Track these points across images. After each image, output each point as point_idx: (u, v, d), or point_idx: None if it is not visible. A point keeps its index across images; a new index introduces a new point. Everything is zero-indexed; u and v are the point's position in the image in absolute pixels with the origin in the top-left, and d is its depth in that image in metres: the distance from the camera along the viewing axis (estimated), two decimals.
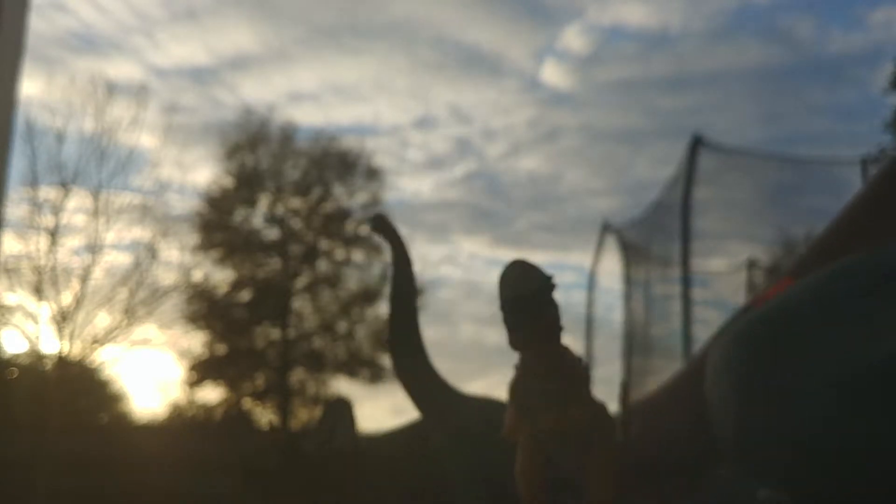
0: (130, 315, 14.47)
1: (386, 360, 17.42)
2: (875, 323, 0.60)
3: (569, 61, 23.20)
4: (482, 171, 23.35)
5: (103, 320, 14.29)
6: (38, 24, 16.40)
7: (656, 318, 10.28)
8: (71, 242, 14.50)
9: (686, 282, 8.14)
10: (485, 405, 1.64)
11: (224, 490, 14.30)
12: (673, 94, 23.15)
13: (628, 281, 11.38)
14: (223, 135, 17.87)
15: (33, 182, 14.10)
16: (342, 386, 17.50)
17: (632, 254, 11.34)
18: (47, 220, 14.06)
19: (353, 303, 17.86)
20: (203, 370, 16.93)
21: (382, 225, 1.67)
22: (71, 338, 13.86)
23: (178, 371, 17.20)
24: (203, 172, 23.27)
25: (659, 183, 9.93)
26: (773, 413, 0.64)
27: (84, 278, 14.17)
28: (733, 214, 9.38)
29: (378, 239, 1.74)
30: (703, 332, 7.94)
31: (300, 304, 17.76)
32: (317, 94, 24.44)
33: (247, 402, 17.47)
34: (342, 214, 18.24)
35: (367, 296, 17.76)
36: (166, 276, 15.20)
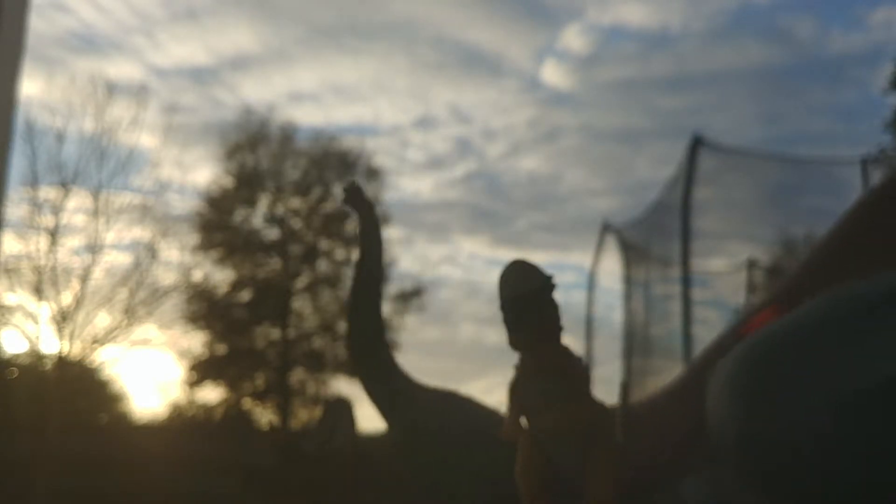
0: (130, 315, 14.48)
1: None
2: (876, 345, 0.60)
3: (569, 61, 23.20)
4: (482, 171, 23.35)
5: (103, 320, 14.30)
6: (38, 24, 16.39)
7: (656, 318, 10.29)
8: (71, 242, 14.51)
9: (686, 282, 8.15)
10: (445, 399, 1.49)
11: (224, 490, 14.31)
12: (673, 94, 23.15)
13: (628, 281, 11.38)
14: (223, 135, 17.89)
15: (33, 182, 14.12)
16: (342, 386, 17.52)
17: (632, 254, 11.34)
18: (47, 220, 14.08)
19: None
20: (203, 370, 16.93)
21: (355, 196, 1.51)
22: (71, 338, 13.87)
23: (178, 371, 17.22)
24: (203, 172, 23.27)
25: (659, 183, 9.94)
26: (775, 428, 0.65)
27: (84, 278, 14.19)
28: (733, 214, 9.39)
29: (350, 212, 1.55)
30: (703, 332, 7.94)
31: (300, 304, 17.77)
32: (317, 94, 24.43)
33: (247, 402, 17.47)
34: (342, 214, 18.24)
35: None
36: (166, 276, 15.22)
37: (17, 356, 15.00)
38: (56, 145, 14.36)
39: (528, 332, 0.77)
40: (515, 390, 0.79)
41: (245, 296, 17.82)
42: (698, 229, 8.31)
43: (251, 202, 18.05)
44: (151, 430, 16.91)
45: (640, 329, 10.80)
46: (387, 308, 18.23)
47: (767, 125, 21.91)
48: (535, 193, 23.48)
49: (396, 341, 17.91)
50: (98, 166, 14.63)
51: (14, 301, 14.10)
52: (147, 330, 15.01)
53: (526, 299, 0.77)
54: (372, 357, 1.47)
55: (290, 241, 18.08)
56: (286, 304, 17.60)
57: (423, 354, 23.39)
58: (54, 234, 14.06)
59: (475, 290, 21.99)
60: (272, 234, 18.18)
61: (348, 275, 18.36)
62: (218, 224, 17.69)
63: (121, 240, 14.89)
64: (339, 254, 18.20)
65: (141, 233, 14.95)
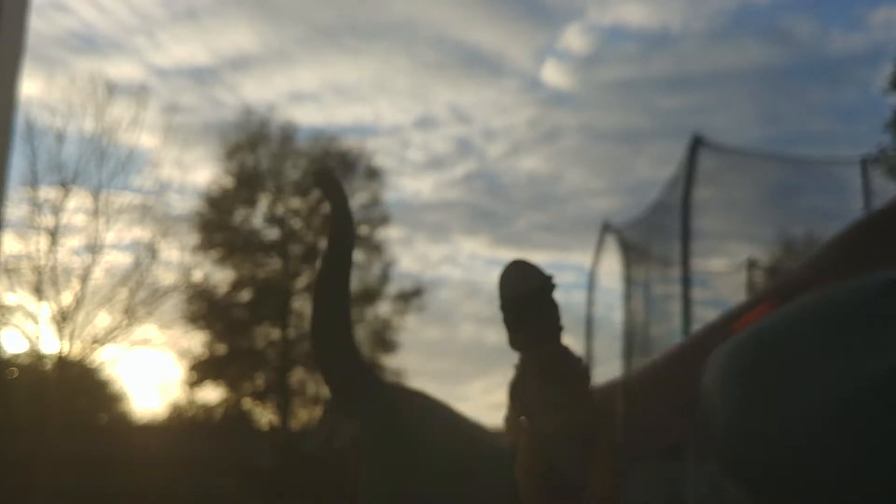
0: (130, 315, 14.48)
1: (386, 360, 17.42)
2: (871, 340, 0.60)
3: (569, 61, 23.22)
4: (482, 171, 23.36)
5: (103, 320, 14.31)
6: (39, 24, 16.41)
7: (656, 318, 10.28)
8: (71, 242, 14.52)
9: (686, 282, 8.14)
10: (412, 396, 1.44)
11: (224, 490, 14.31)
12: (673, 94, 23.17)
13: (628, 281, 11.38)
14: (223, 135, 17.89)
15: (33, 182, 14.13)
16: None
17: (632, 254, 11.34)
18: (47, 220, 14.09)
19: (353, 303, 17.79)
20: (203, 370, 16.92)
21: (326, 181, 1.43)
22: (71, 338, 13.87)
23: (178, 371, 17.22)
24: (203, 172, 23.31)
25: (659, 183, 9.94)
26: (767, 423, 0.64)
27: (84, 278, 14.19)
28: (733, 214, 9.38)
29: (321, 197, 1.49)
30: None
31: (300, 304, 17.75)
32: (317, 94, 24.44)
33: (247, 402, 17.47)
34: None
35: (367, 296, 17.76)
36: (166, 276, 15.23)
37: (17, 356, 15.01)
38: (56, 145, 14.39)
39: (528, 332, 0.77)
40: (515, 390, 0.79)
41: (245, 296, 17.82)
42: (698, 229, 8.30)
43: (251, 202, 18.05)
44: (151, 430, 16.91)
45: (640, 329, 10.80)
46: (387, 308, 18.29)
47: (767, 125, 21.92)
48: (535, 193, 23.50)
49: (397, 341, 17.94)
50: (98, 166, 14.64)
51: (14, 301, 14.12)
52: (147, 330, 15.03)
53: (526, 299, 0.77)
54: (335, 346, 1.41)
55: (290, 241, 18.07)
56: (286, 304, 17.59)
57: (423, 354, 23.40)
58: (54, 234, 14.07)
59: (475, 290, 21.98)
60: (272, 234, 18.19)
61: None
62: (218, 224, 17.68)
63: (121, 240, 14.91)
64: None
65: (141, 233, 14.97)
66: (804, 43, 21.38)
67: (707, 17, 22.75)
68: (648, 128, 23.59)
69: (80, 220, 14.55)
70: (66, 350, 13.88)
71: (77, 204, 14.52)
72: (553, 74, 24.78)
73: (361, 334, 17.70)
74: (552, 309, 0.77)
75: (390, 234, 18.85)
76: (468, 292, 22.88)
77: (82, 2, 21.76)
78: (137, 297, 14.57)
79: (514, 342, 0.78)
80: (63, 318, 13.83)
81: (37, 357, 14.48)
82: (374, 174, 18.44)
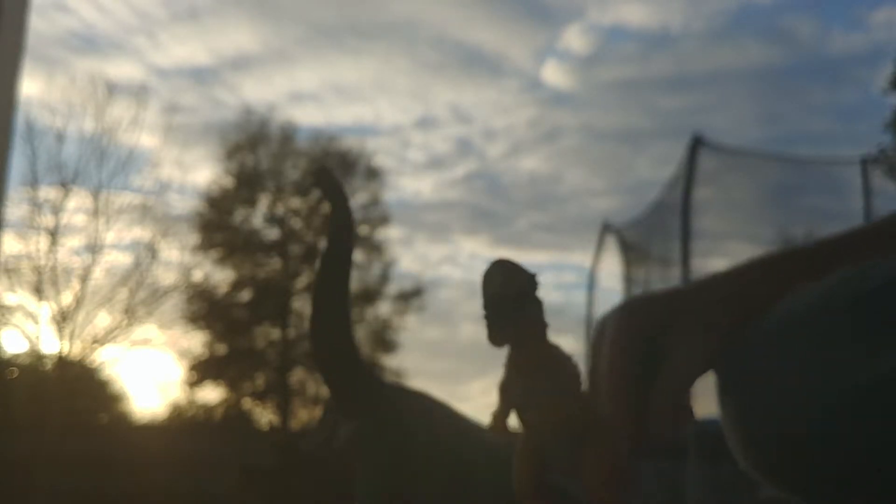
0: (130, 315, 14.50)
1: (386, 361, 17.43)
2: (871, 336, 0.60)
3: (569, 61, 23.21)
4: (483, 171, 23.35)
5: (103, 320, 14.33)
6: (39, 24, 16.39)
7: None
8: (71, 242, 14.54)
9: (686, 282, 8.14)
10: (414, 397, 1.43)
11: (224, 490, 14.31)
12: (673, 94, 23.16)
13: (628, 281, 11.37)
14: (223, 135, 17.90)
15: (33, 182, 14.14)
16: None
17: (632, 254, 11.33)
18: (47, 220, 14.10)
19: (353, 303, 17.83)
20: (203, 370, 16.93)
21: (326, 181, 1.41)
22: (71, 338, 13.88)
23: (178, 371, 17.25)
24: (203, 172, 23.35)
25: (659, 183, 9.93)
26: (766, 420, 0.65)
27: (84, 278, 14.20)
28: (733, 214, 9.38)
29: (320, 197, 1.45)
30: None
31: (300, 304, 17.76)
32: (317, 94, 24.43)
33: (247, 402, 17.47)
34: None
35: (367, 296, 17.77)
36: (166, 276, 15.25)
37: (17, 356, 15.02)
38: (56, 145, 14.40)
39: (509, 329, 0.77)
40: (504, 388, 0.79)
41: (245, 296, 17.83)
42: (698, 229, 8.30)
43: (251, 202, 18.06)
44: (151, 430, 16.91)
45: None
46: (387, 308, 18.30)
47: (767, 125, 21.92)
48: (535, 193, 23.50)
49: (397, 341, 17.95)
50: (98, 166, 14.66)
51: (14, 301, 14.13)
52: (147, 330, 15.05)
53: (506, 297, 0.77)
54: (335, 347, 1.39)
55: (290, 241, 18.08)
56: (286, 304, 17.60)
57: (423, 354, 23.40)
58: (54, 234, 14.08)
59: (475, 290, 21.81)
60: (272, 234, 18.20)
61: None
62: (218, 224, 17.69)
63: (121, 240, 14.93)
64: None
65: (141, 233, 14.99)
66: (804, 43, 21.38)
67: (707, 17, 22.75)
68: (648, 128, 23.60)
69: (80, 220, 14.57)
70: (66, 350, 13.90)
71: (77, 204, 14.55)
72: (553, 74, 24.80)
73: (361, 334, 17.71)
74: (535, 307, 0.78)
75: (390, 234, 18.91)
76: (468, 292, 22.86)
77: (83, 2, 21.77)
78: (137, 297, 14.60)
79: (493, 338, 0.78)
80: (63, 318, 13.85)
81: (37, 357, 14.49)
82: (374, 174, 18.46)
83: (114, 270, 14.68)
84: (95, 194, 14.61)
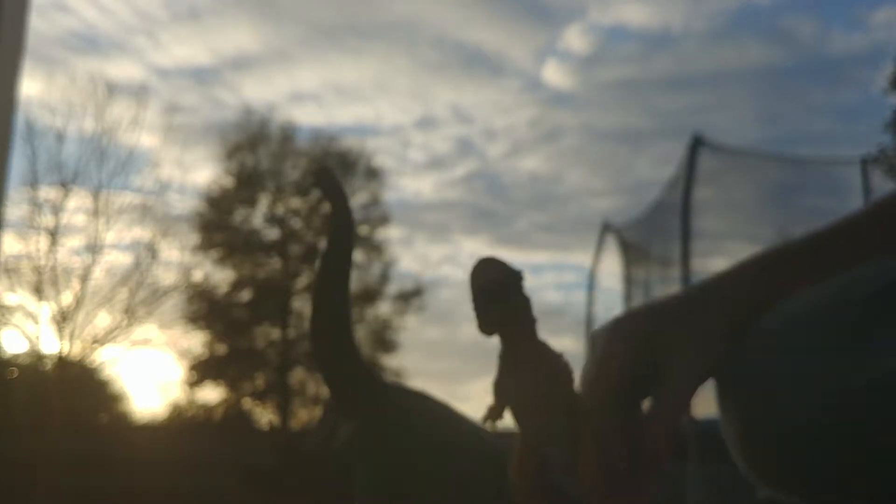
0: (130, 315, 14.50)
1: (386, 361, 17.42)
2: (877, 337, 0.60)
3: (570, 61, 23.21)
4: (483, 171, 23.36)
5: (103, 320, 14.33)
6: (39, 23, 16.39)
7: None
8: (71, 242, 14.54)
9: (686, 282, 8.14)
10: (416, 397, 1.42)
11: (224, 490, 14.31)
12: (673, 94, 23.16)
13: (628, 281, 11.37)
14: (223, 135, 17.91)
15: (33, 182, 14.14)
16: None
17: (632, 254, 11.34)
18: (47, 220, 14.10)
19: (353, 303, 17.69)
20: (203, 370, 16.93)
21: (326, 181, 1.41)
22: (71, 338, 13.88)
23: (178, 371, 17.25)
24: (203, 172, 23.36)
25: (659, 183, 9.93)
26: (766, 422, 0.64)
27: (84, 278, 14.20)
28: (733, 214, 9.39)
29: (320, 197, 1.43)
30: None
31: (300, 304, 17.76)
32: (318, 94, 24.45)
33: (247, 402, 17.47)
34: None
35: (367, 296, 17.78)
36: (166, 276, 15.25)
37: (17, 356, 15.02)
38: (56, 145, 14.40)
39: (497, 317, 0.79)
40: (496, 386, 0.80)
41: (245, 296, 17.83)
42: (698, 229, 8.30)
43: (251, 202, 18.06)
44: (151, 430, 16.92)
45: None
46: (387, 308, 18.29)
47: (767, 125, 21.93)
48: (535, 193, 23.49)
49: (397, 341, 17.95)
50: (98, 166, 14.66)
51: (14, 301, 14.13)
52: (147, 330, 15.05)
53: (487, 289, 0.80)
54: (335, 346, 1.39)
55: (290, 241, 18.08)
56: (286, 304, 17.60)
57: (423, 354, 23.41)
58: (54, 234, 14.08)
59: (469, 290, 21.95)
60: (272, 234, 18.20)
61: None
62: (218, 224, 17.69)
63: (121, 240, 14.93)
64: None
65: (141, 233, 14.99)
66: (804, 43, 21.39)
67: (708, 18, 22.75)
68: (649, 128, 23.61)
69: (80, 220, 14.57)
70: (66, 350, 13.90)
71: (77, 204, 14.55)
72: (554, 74, 24.79)
73: (361, 334, 17.71)
74: (521, 299, 0.80)
75: (390, 234, 18.91)
76: (468, 292, 22.88)
77: (83, 2, 21.77)
78: (137, 297, 14.60)
79: (482, 326, 0.80)
80: (63, 318, 13.84)
81: (37, 357, 14.49)
82: (374, 174, 18.46)
83: (114, 270, 14.69)
84: (95, 194, 14.63)
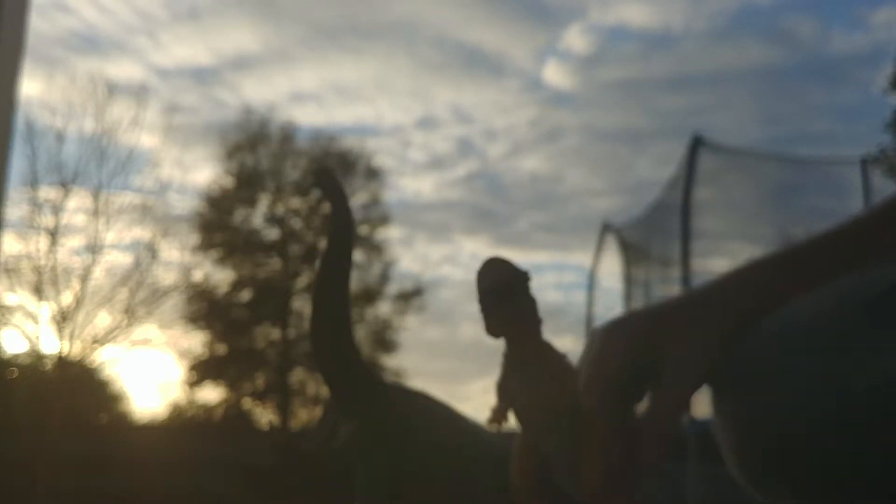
0: (130, 315, 14.49)
1: (386, 361, 17.43)
2: (878, 339, 0.60)
3: (570, 61, 23.19)
4: (483, 171, 23.34)
5: (103, 320, 14.32)
6: (39, 23, 16.37)
7: None
8: (71, 242, 14.53)
9: (686, 282, 8.14)
10: (417, 401, 1.36)
11: (224, 490, 14.30)
12: (674, 94, 23.14)
13: (628, 281, 11.38)
14: (223, 135, 17.90)
15: (33, 182, 14.12)
16: None
17: (632, 254, 11.34)
18: (47, 220, 14.08)
19: (353, 303, 17.71)
20: (203, 370, 16.93)
21: (326, 181, 1.38)
22: (71, 338, 13.88)
23: (178, 371, 17.24)
24: (203, 172, 23.35)
25: (659, 183, 9.93)
26: (773, 419, 0.64)
27: (84, 278, 14.20)
28: (733, 214, 9.38)
29: (321, 197, 1.42)
30: None
31: (300, 304, 17.76)
32: (318, 94, 24.43)
33: (247, 402, 17.48)
34: None
35: (367, 296, 17.77)
36: (166, 276, 15.24)
37: (17, 356, 15.01)
38: (56, 145, 14.38)
39: (502, 319, 0.79)
40: (500, 386, 0.80)
41: (245, 296, 17.83)
42: (698, 229, 8.30)
43: (251, 202, 18.06)
44: (151, 430, 16.91)
45: None
46: (387, 308, 18.29)
47: (767, 125, 21.93)
48: (535, 193, 23.45)
49: (397, 341, 17.95)
50: (98, 166, 14.65)
51: (14, 301, 14.13)
52: (147, 330, 15.04)
53: (495, 290, 0.80)
54: (335, 347, 1.39)
55: (290, 241, 18.08)
56: (286, 304, 17.60)
57: (423, 354, 23.40)
58: (54, 234, 14.07)
59: (475, 291, 21.94)
60: (272, 234, 18.20)
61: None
62: (218, 224, 17.69)
63: (121, 240, 14.91)
64: None
65: (141, 233, 14.98)
66: (804, 43, 21.38)
67: (708, 18, 22.74)
68: (649, 128, 23.58)
69: (80, 220, 14.56)
70: (66, 350, 13.89)
71: (77, 204, 14.54)
72: (554, 74, 24.77)
73: (361, 334, 17.71)
74: (528, 300, 0.79)
75: (390, 234, 18.90)
76: (468, 292, 22.85)
77: (83, 2, 21.75)
78: (137, 297, 14.59)
79: (489, 327, 0.80)
80: (63, 318, 13.84)
81: (37, 357, 14.49)
82: (374, 174, 18.46)
83: (114, 270, 14.68)
84: (95, 194, 14.62)
